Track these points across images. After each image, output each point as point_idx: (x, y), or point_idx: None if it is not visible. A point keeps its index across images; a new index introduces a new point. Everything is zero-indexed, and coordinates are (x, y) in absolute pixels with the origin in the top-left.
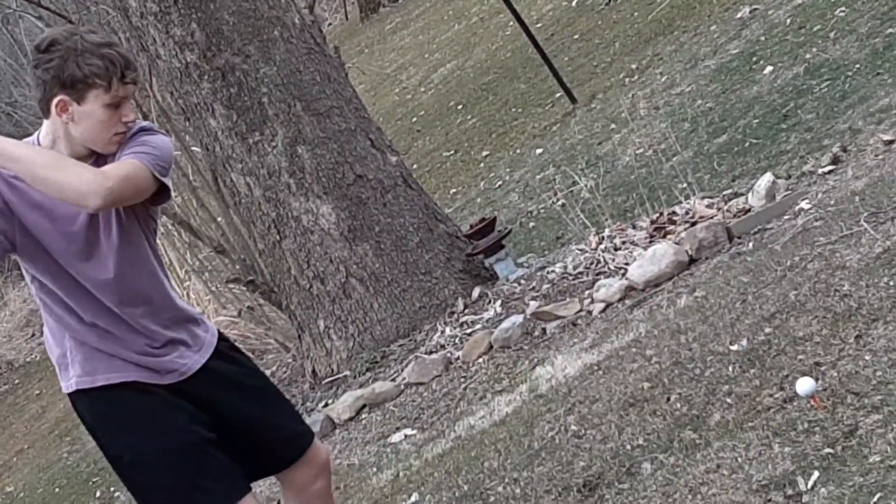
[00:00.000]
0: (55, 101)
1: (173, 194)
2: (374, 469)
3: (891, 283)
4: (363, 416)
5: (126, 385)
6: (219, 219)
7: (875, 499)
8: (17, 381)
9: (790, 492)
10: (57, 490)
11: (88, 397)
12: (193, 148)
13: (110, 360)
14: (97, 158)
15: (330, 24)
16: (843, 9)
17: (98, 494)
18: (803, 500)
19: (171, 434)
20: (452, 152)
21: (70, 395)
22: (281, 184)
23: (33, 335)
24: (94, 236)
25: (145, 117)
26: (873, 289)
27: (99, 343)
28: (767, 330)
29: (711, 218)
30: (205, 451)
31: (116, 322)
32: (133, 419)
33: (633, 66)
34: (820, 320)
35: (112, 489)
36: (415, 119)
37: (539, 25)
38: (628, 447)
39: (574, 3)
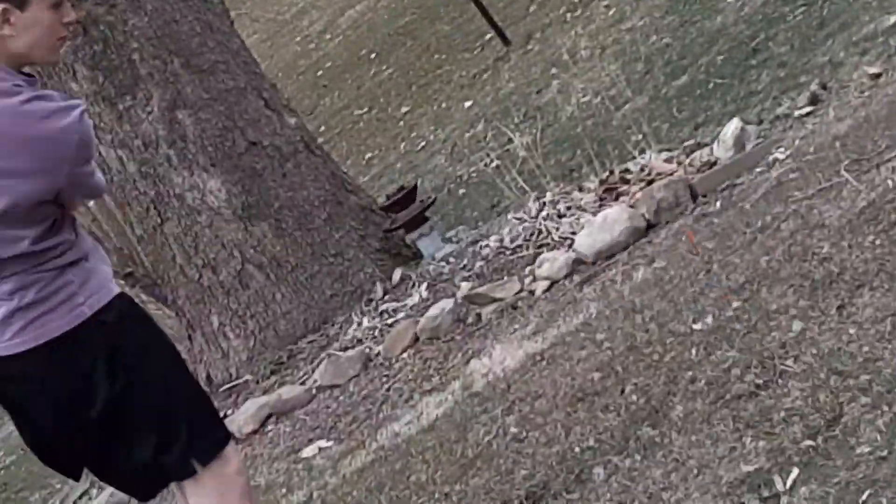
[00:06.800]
0: None
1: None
2: (284, 490)
3: (877, 243)
4: (269, 427)
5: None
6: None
7: (864, 496)
8: None
9: (766, 493)
10: None
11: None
12: None
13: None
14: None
15: None
16: None
17: None
18: (781, 502)
19: None
20: (366, 110)
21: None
22: (160, 156)
23: None
24: None
25: None
26: (857, 250)
27: None
28: (736, 304)
29: (671, 175)
30: None
31: None
32: None
33: None
34: (797, 289)
35: None
36: (320, 72)
37: None
38: (577, 450)
39: None
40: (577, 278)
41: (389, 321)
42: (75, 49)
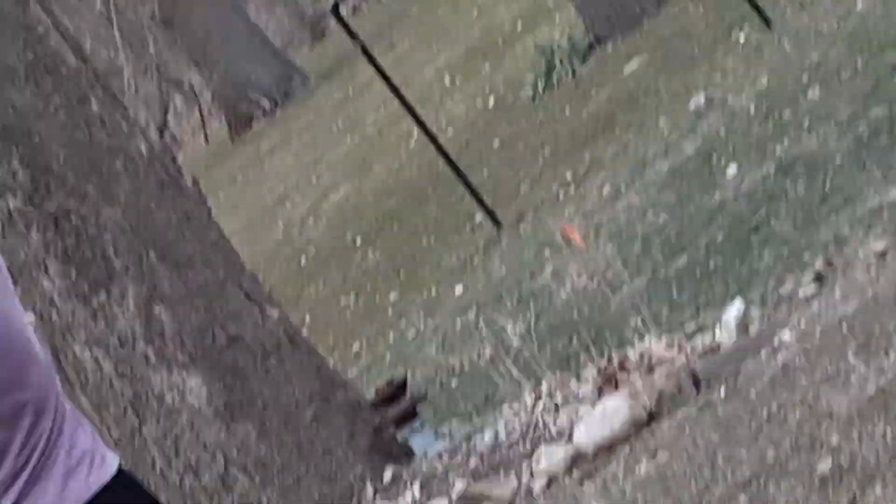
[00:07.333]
0: None
1: None
2: None
3: (888, 432)
4: None
5: None
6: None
7: None
8: None
9: None
10: None
11: None
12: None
13: None
14: None
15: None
16: (816, 90)
17: None
18: None
19: None
20: (353, 298)
21: None
22: (136, 353)
23: None
24: None
25: None
26: (867, 440)
27: None
28: (742, 500)
29: (672, 361)
30: None
31: None
32: None
33: (568, 176)
34: (805, 484)
35: None
36: (304, 260)
37: (450, 133)
38: None
39: (492, 103)
40: (576, 473)
41: None
42: (46, 243)
